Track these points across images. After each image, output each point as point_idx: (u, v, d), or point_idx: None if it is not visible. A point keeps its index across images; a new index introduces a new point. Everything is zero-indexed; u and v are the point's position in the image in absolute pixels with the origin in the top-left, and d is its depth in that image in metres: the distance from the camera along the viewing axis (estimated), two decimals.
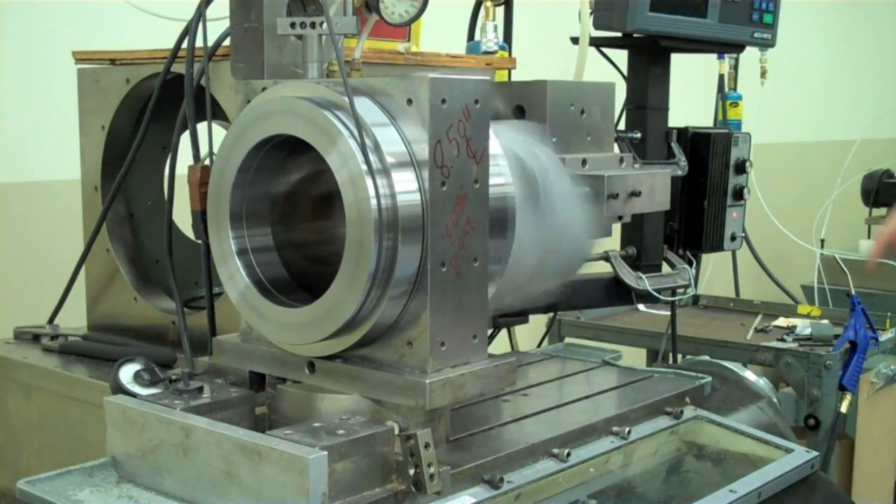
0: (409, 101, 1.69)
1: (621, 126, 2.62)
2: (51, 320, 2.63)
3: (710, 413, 2.29)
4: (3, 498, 2.47)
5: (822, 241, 4.78)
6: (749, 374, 2.61)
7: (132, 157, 2.43)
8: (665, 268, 2.61)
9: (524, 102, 2.18)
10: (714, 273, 4.53)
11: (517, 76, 2.73)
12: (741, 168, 2.68)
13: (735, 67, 4.03)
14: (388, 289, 1.69)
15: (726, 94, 3.85)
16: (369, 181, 1.64)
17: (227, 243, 1.85)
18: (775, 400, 2.62)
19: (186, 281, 2.49)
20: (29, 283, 3.18)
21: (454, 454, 1.82)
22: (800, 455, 2.18)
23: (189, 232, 2.39)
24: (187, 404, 1.82)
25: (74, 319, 2.67)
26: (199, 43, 2.15)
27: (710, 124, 3.68)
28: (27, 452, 2.44)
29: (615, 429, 2.09)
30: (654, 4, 2.46)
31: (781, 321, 3.65)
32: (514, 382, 1.90)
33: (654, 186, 2.35)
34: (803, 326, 3.48)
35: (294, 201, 1.94)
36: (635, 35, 2.57)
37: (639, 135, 2.53)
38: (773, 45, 2.80)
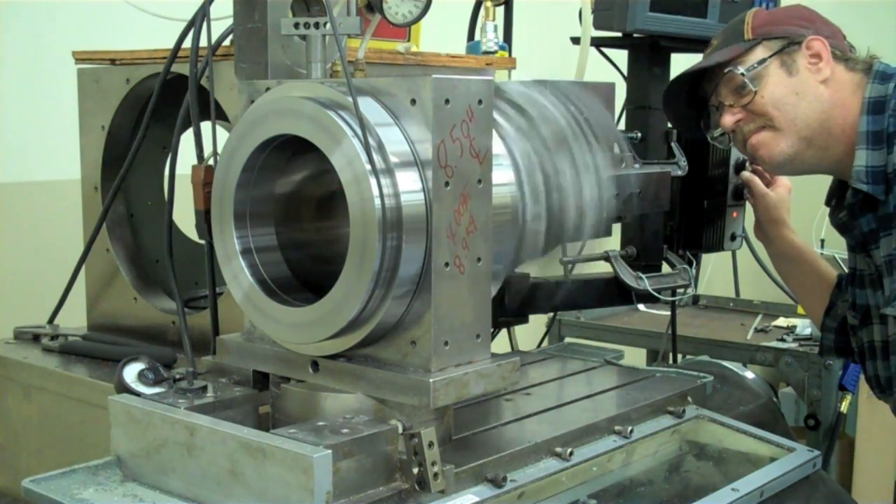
0: (413, 101, 1.69)
1: (621, 126, 2.62)
2: (51, 320, 2.63)
3: (712, 412, 2.30)
4: (3, 498, 2.47)
5: (822, 241, 4.78)
6: (749, 374, 2.62)
7: (132, 157, 2.43)
8: (665, 268, 2.61)
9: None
10: (714, 273, 4.52)
11: (517, 76, 2.74)
12: (741, 168, 2.68)
13: None
14: (392, 288, 1.69)
15: None
16: (373, 181, 1.65)
17: (230, 243, 1.86)
18: (775, 400, 2.62)
19: (186, 281, 2.49)
20: (29, 283, 3.17)
21: (457, 453, 1.83)
22: (801, 454, 2.18)
23: (189, 232, 2.39)
24: (191, 403, 1.83)
25: (74, 319, 2.67)
26: (199, 42, 2.15)
27: None
28: (27, 452, 2.44)
29: (617, 428, 2.09)
30: (654, 4, 2.46)
31: (781, 321, 3.66)
32: (517, 381, 1.90)
33: (654, 186, 2.36)
34: (803, 326, 3.48)
35: (298, 201, 1.94)
36: (635, 35, 2.57)
37: (639, 135, 2.53)
38: None
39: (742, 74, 2.22)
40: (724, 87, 2.27)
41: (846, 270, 2.47)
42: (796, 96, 2.21)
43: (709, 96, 2.34)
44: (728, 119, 2.28)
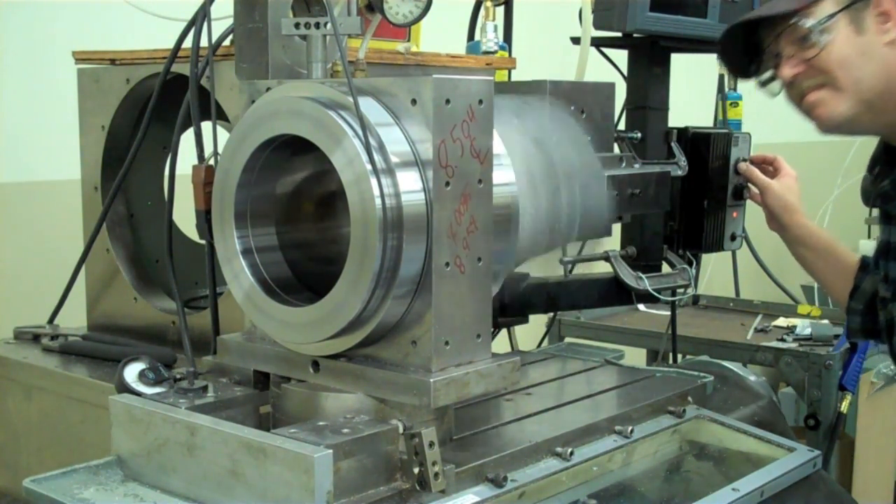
0: (414, 101, 1.69)
1: (621, 126, 2.62)
2: (51, 320, 2.63)
3: (712, 412, 2.30)
4: (3, 498, 2.47)
5: None
6: (749, 375, 2.62)
7: (132, 157, 2.43)
8: (665, 268, 2.61)
9: None
10: (714, 273, 4.53)
11: (517, 76, 2.74)
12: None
13: None
14: (393, 288, 1.69)
15: (726, 94, 3.84)
16: (374, 181, 1.65)
17: (231, 243, 1.86)
18: (775, 400, 2.62)
19: (186, 281, 2.49)
20: (29, 283, 3.17)
21: (458, 453, 1.83)
22: (802, 454, 2.18)
23: (189, 232, 2.39)
24: (192, 403, 1.83)
25: (74, 319, 2.67)
26: (200, 42, 2.15)
27: (710, 124, 3.68)
28: (27, 452, 2.44)
29: (618, 428, 2.09)
30: (654, 4, 2.46)
31: (781, 321, 3.66)
32: (517, 381, 1.90)
33: (654, 186, 2.36)
34: (803, 326, 3.48)
35: (298, 201, 1.94)
36: (635, 35, 2.57)
37: (639, 135, 2.53)
38: None
39: (809, 28, 2.11)
40: (786, 37, 2.16)
41: None
42: (863, 56, 2.11)
43: (766, 44, 2.22)
44: (787, 71, 2.18)
